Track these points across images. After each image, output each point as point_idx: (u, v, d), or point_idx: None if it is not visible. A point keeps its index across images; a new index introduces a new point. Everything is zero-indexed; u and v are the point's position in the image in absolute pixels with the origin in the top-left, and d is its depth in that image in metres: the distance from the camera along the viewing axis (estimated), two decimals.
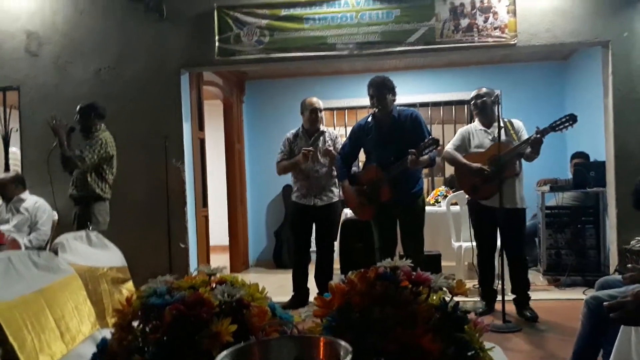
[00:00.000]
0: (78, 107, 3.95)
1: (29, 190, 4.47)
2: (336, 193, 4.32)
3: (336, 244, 5.34)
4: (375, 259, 3.70)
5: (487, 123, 3.92)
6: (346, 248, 5.03)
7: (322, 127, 4.37)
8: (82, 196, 3.87)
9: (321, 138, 4.29)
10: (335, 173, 4.23)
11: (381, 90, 3.68)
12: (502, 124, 3.73)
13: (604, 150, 4.57)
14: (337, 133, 4.44)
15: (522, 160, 3.82)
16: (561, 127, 3.54)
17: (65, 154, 3.78)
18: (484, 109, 3.91)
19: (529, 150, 3.64)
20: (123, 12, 4.77)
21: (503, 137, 3.75)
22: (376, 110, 3.72)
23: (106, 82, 4.79)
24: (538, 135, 3.53)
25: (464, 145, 3.98)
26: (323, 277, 4.26)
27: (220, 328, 0.88)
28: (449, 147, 4.05)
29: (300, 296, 4.28)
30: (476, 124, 4.02)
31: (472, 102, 3.97)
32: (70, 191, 3.95)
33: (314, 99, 4.34)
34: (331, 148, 4.14)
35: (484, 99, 3.89)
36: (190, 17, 4.70)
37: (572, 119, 3.52)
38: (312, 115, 4.28)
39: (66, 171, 3.92)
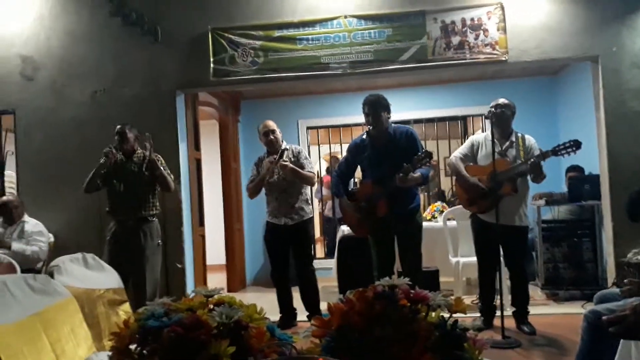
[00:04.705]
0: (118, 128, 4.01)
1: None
2: (308, 211, 4.29)
3: (333, 261, 5.33)
4: (373, 275, 3.69)
5: (500, 134, 3.83)
6: (344, 265, 5.01)
7: (284, 145, 4.35)
8: (144, 217, 3.89)
9: (285, 154, 4.28)
10: (304, 191, 4.27)
11: (376, 109, 3.70)
12: (514, 139, 3.72)
13: (598, 163, 4.60)
14: (300, 148, 4.44)
15: (529, 179, 3.80)
16: (564, 152, 3.50)
17: (162, 173, 3.92)
18: (501, 120, 3.80)
19: (532, 175, 3.64)
20: (118, 36, 4.81)
21: (512, 152, 3.74)
22: (371, 128, 3.75)
23: (102, 104, 4.81)
24: (536, 160, 3.53)
25: (471, 154, 3.95)
26: (306, 297, 4.25)
27: (218, 350, 0.88)
28: (456, 155, 4.00)
29: (287, 316, 4.27)
30: (488, 134, 3.85)
31: (491, 111, 3.79)
32: (123, 218, 3.88)
33: (266, 122, 4.36)
34: (287, 163, 4.13)
35: (503, 109, 3.81)
36: (185, 39, 4.74)
37: (576, 145, 3.47)
38: (267, 138, 4.30)
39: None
